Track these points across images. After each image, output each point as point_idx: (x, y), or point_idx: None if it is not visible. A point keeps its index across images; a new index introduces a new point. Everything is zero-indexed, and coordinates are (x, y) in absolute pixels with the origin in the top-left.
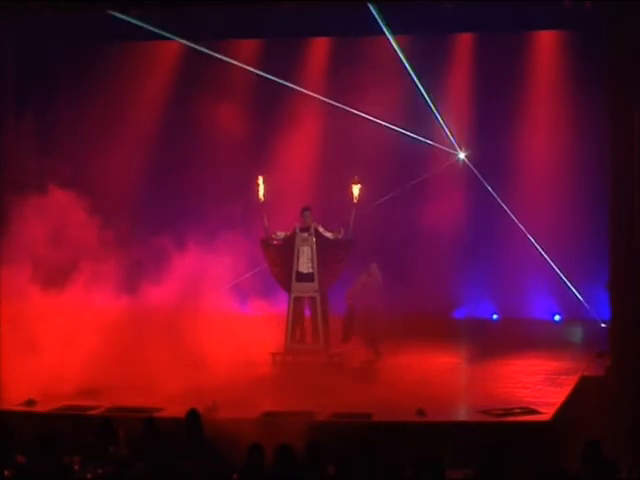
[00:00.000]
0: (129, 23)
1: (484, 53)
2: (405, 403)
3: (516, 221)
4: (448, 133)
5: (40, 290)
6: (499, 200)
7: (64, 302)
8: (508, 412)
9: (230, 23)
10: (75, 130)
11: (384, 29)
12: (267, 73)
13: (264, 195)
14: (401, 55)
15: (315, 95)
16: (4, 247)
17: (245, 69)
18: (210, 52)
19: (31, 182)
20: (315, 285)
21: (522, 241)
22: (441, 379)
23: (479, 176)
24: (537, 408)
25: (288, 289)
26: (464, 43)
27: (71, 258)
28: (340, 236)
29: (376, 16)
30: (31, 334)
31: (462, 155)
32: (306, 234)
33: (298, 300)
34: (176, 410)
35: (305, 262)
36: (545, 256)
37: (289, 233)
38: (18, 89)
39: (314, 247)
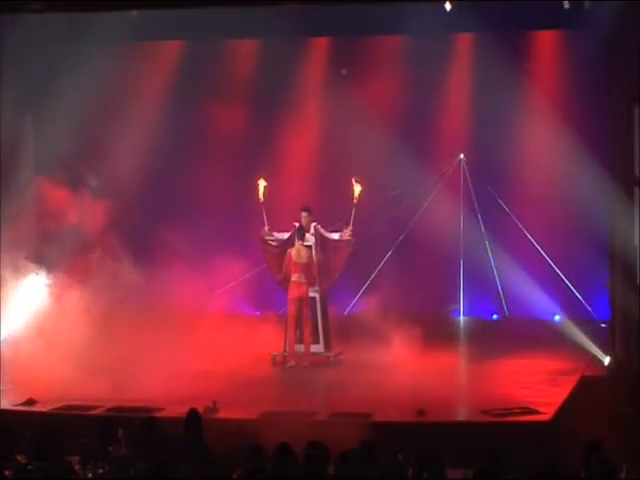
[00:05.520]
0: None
1: (484, 53)
2: (405, 403)
3: (516, 221)
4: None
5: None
6: (499, 200)
7: (68, 301)
8: (508, 412)
9: (230, 23)
10: (75, 130)
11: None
12: (267, 73)
13: (264, 195)
14: (401, 55)
15: (315, 95)
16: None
17: (245, 69)
18: (210, 52)
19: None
20: (315, 285)
21: (522, 241)
22: (441, 379)
23: (479, 176)
24: (537, 408)
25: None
26: (464, 43)
27: (71, 258)
28: (347, 235)
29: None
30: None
31: (462, 155)
32: (307, 234)
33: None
34: (176, 410)
35: None
36: (545, 256)
37: (288, 234)
38: (18, 90)
39: (314, 247)
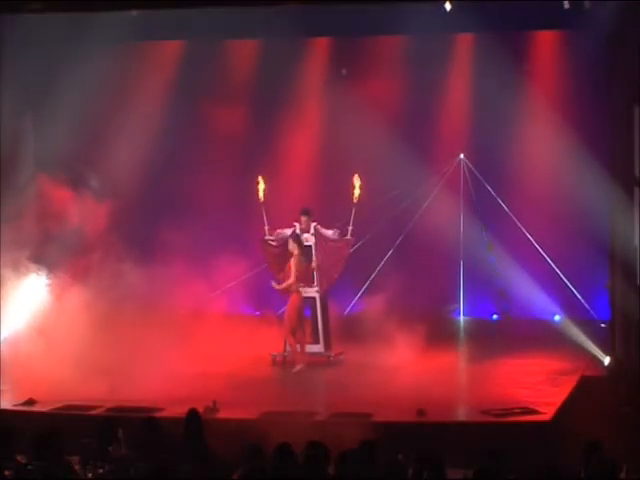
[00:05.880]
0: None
1: (484, 53)
2: (405, 403)
3: (516, 221)
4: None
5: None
6: (499, 200)
7: (69, 301)
8: (508, 412)
9: (230, 23)
10: (75, 130)
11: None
12: (267, 73)
13: (264, 195)
14: (401, 55)
15: (315, 95)
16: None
17: (245, 69)
18: (210, 52)
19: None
20: (315, 285)
21: (522, 241)
22: (441, 379)
23: (479, 176)
24: (537, 408)
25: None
26: (464, 43)
27: (71, 257)
28: (348, 236)
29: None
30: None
31: (462, 155)
32: (307, 234)
33: None
34: (176, 410)
35: None
36: (545, 256)
37: (289, 231)
38: (18, 89)
39: (314, 247)
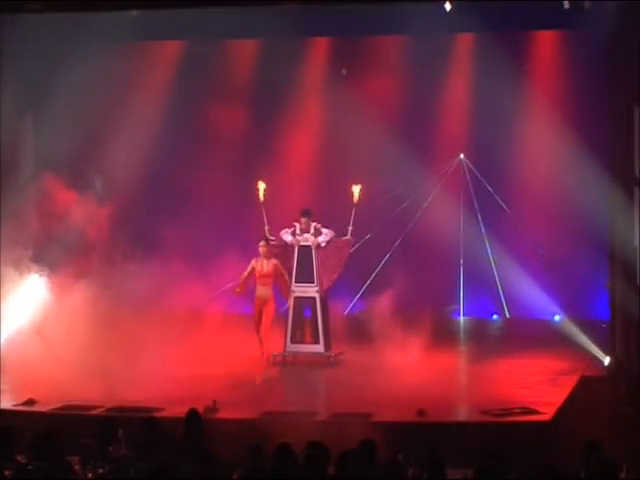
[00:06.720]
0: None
1: (484, 53)
2: (405, 403)
3: (516, 221)
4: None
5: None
6: (499, 199)
7: (69, 302)
8: (508, 412)
9: (230, 23)
10: (75, 130)
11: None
12: (267, 73)
13: (264, 195)
14: (401, 55)
15: (315, 95)
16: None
17: (245, 70)
18: (210, 52)
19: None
20: (315, 285)
21: (522, 241)
22: (441, 379)
23: (479, 176)
24: (537, 408)
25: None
26: (464, 43)
27: (71, 257)
28: (348, 236)
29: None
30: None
31: (462, 155)
32: (307, 235)
33: (298, 300)
34: (176, 410)
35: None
36: (545, 256)
37: (290, 231)
38: (18, 89)
39: (313, 247)
